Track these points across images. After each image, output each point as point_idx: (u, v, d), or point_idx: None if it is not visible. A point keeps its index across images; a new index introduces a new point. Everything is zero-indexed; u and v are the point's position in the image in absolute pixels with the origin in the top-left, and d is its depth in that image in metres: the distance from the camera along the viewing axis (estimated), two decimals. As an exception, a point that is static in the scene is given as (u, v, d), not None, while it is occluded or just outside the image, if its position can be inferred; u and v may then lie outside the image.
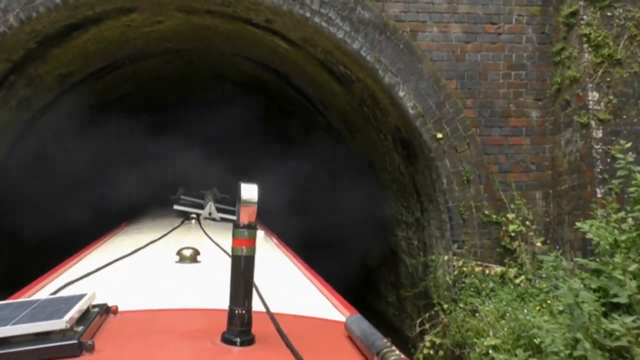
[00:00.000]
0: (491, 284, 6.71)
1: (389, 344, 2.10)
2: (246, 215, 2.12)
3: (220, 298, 2.48)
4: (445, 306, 6.86)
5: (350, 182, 10.81)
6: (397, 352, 2.03)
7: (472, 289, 6.75)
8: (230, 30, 8.29)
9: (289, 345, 2.14)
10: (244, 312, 2.15)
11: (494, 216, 7.08)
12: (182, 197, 8.45)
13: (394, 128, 7.80)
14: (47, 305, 2.27)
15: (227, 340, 2.16)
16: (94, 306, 2.43)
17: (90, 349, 2.00)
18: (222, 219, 7.12)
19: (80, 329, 2.11)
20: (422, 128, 7.10)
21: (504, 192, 7.18)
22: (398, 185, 8.59)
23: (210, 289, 3.06)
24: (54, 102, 9.25)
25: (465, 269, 6.90)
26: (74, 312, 2.12)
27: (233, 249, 2.17)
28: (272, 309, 2.58)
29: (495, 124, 7.28)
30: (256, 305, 2.28)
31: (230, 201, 8.52)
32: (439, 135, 7.08)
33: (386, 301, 10.29)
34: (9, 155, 9.02)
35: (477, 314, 6.24)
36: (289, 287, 3.75)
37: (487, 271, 6.78)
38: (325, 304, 3.28)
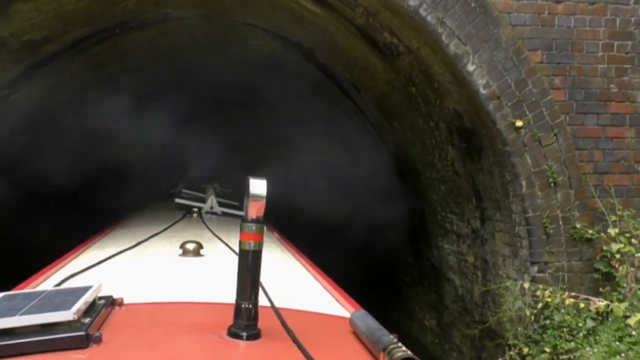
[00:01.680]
0: (589, 323, 5.02)
1: (395, 340, 2.06)
2: (254, 210, 2.09)
3: (225, 292, 2.54)
4: (525, 350, 5.18)
5: (381, 180, 9.11)
6: (404, 348, 2.00)
7: (563, 328, 5.06)
8: (244, -11, 6.64)
9: (295, 340, 2.13)
10: (250, 306, 2.14)
11: (589, 231, 5.40)
12: (183, 190, 8.31)
13: (452, 114, 6.11)
14: (53, 297, 2.27)
15: (233, 334, 2.15)
16: (99, 298, 2.41)
17: (98, 340, 1.99)
18: (224, 213, 6.96)
19: (87, 320, 2.10)
20: (497, 113, 5.41)
21: (600, 199, 5.49)
22: (449, 186, 6.90)
23: (215, 282, 3.10)
24: (24, 78, 7.56)
25: (549, 299, 5.21)
26: (80, 304, 2.11)
27: (241, 243, 2.14)
28: (277, 304, 2.56)
29: (590, 109, 5.58)
30: (261, 300, 2.22)
31: (231, 195, 8.34)
32: (519, 124, 5.38)
33: (421, 325, 8.60)
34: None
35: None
36: (293, 282, 3.72)
37: (581, 304, 5.08)
38: (329, 299, 3.27)
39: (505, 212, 5.81)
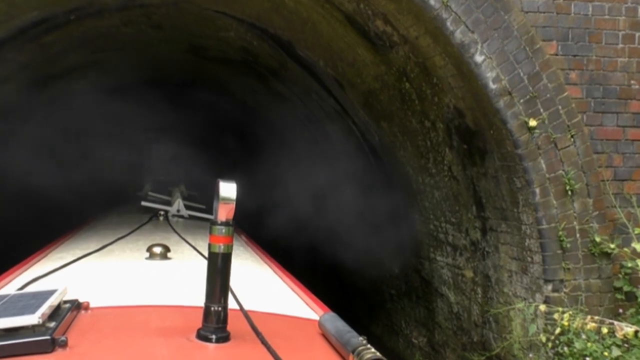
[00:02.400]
0: (615, 351, 4.40)
1: (364, 342, 2.08)
2: (224, 213, 2.09)
3: (193, 295, 2.52)
4: (541, 381, 4.54)
5: (364, 185, 8.42)
6: (373, 349, 2.00)
7: (585, 357, 4.42)
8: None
9: (264, 342, 2.13)
10: (220, 309, 2.12)
11: (610, 245, 4.78)
12: (149, 193, 8.31)
13: (452, 113, 5.45)
14: (16, 301, 2.22)
15: (202, 337, 2.13)
16: (65, 302, 2.35)
17: (64, 345, 1.96)
18: (191, 216, 6.90)
19: (52, 325, 2.05)
20: (508, 111, 4.75)
21: (621, 208, 4.89)
22: (444, 193, 6.24)
23: (183, 286, 3.04)
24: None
25: (566, 323, 4.57)
26: (45, 308, 2.06)
27: (210, 245, 2.12)
28: (246, 307, 2.52)
29: (609, 108, 4.98)
30: (229, 303, 2.20)
31: (197, 199, 8.26)
32: (532, 123, 4.74)
33: (407, 341, 7.93)
34: None
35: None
36: (261, 285, 3.67)
37: (604, 329, 4.46)
38: (298, 302, 3.24)
39: (512, 223, 5.16)
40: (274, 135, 11.99)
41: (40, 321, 1.99)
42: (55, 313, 2.18)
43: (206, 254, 2.25)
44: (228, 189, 2.08)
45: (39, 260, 4.04)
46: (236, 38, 8.14)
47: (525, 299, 5.05)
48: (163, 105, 12.76)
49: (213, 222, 2.12)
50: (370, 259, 9.21)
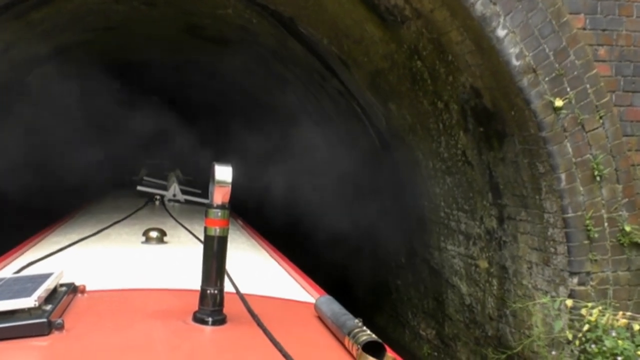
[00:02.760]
0: (648, 350, 4.07)
1: (360, 324, 2.08)
2: (220, 196, 2.08)
3: (189, 279, 2.52)
4: (567, 382, 4.22)
5: (369, 170, 8.06)
6: (369, 332, 2.01)
7: (616, 357, 4.10)
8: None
9: (260, 325, 2.14)
10: (216, 292, 2.12)
11: (641, 235, 4.45)
12: (145, 178, 8.21)
13: (468, 93, 5.07)
14: (13, 284, 2.23)
15: (199, 319, 2.14)
16: (61, 285, 2.34)
17: (60, 327, 1.97)
18: (187, 201, 6.86)
19: (48, 307, 2.05)
20: (532, 90, 4.38)
21: (652, 196, 4.54)
22: (457, 179, 5.88)
23: (179, 269, 3.05)
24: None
25: (594, 319, 4.24)
26: (41, 291, 2.06)
27: (206, 229, 2.12)
28: (242, 290, 2.52)
29: (639, 87, 4.62)
30: (226, 287, 2.20)
31: (194, 183, 8.18)
32: (558, 103, 4.38)
33: (414, 333, 7.62)
34: None
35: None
36: (257, 268, 3.65)
37: (636, 326, 4.13)
38: (294, 285, 3.23)
39: (533, 211, 4.81)
40: (271, 119, 11.60)
41: (37, 304, 1.99)
42: (52, 296, 2.18)
43: (202, 238, 2.26)
44: (224, 172, 2.06)
45: (35, 244, 3.99)
46: (234, 16, 7.72)
47: (547, 293, 4.71)
48: (156, 90, 12.29)
49: (209, 206, 2.11)
50: (374, 248, 8.88)
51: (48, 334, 1.93)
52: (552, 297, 4.64)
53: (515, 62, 4.35)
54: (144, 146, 12.67)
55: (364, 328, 2.04)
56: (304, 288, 3.16)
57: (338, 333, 2.16)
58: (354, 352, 1.96)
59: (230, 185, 2.07)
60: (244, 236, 5.03)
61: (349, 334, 2.03)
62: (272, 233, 6.92)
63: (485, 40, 4.41)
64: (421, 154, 6.43)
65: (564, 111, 4.38)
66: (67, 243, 3.77)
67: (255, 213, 8.88)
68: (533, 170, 4.67)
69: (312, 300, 2.67)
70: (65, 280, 2.41)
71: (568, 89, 4.39)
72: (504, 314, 5.39)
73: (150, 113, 13.21)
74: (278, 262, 3.88)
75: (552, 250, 4.65)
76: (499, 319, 5.48)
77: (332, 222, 8.86)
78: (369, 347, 1.92)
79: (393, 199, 7.77)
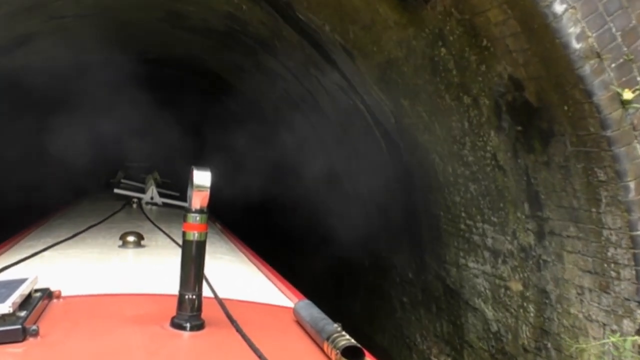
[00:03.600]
0: None
1: (339, 328, 2.09)
2: (198, 200, 2.07)
3: (166, 283, 2.50)
4: None
5: (374, 175, 7.22)
6: (348, 336, 2.01)
7: None
8: None
9: (239, 330, 2.13)
10: (194, 297, 2.11)
11: None
12: (122, 180, 8.25)
13: (506, 84, 4.25)
14: None
15: (176, 325, 2.13)
16: (36, 290, 2.31)
17: (35, 334, 1.95)
18: (165, 204, 6.82)
19: (23, 313, 2.02)
20: (594, 80, 3.56)
21: None
22: (483, 186, 5.06)
23: (156, 274, 3.03)
24: None
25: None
26: (16, 297, 2.03)
27: (185, 233, 2.11)
28: (220, 295, 2.50)
29: None
30: (204, 291, 2.18)
31: (171, 186, 8.12)
32: (627, 96, 3.56)
33: (424, 359, 6.79)
34: None
35: None
36: (236, 273, 3.62)
37: None
38: (272, 290, 3.23)
39: (587, 227, 4.00)
40: (260, 119, 10.71)
41: (11, 310, 1.97)
42: (26, 302, 2.15)
43: (180, 242, 2.25)
44: (202, 177, 2.06)
45: (9, 249, 3.94)
46: (222, 1, 6.84)
47: (605, 325, 3.91)
48: (131, 85, 11.41)
49: (187, 210, 2.10)
50: (376, 260, 8.06)
51: (22, 340, 1.92)
52: (612, 330, 3.83)
53: (576, 45, 3.53)
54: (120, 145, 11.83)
55: (343, 333, 2.05)
56: (283, 292, 3.15)
57: (317, 338, 2.15)
58: (333, 357, 1.96)
59: (208, 190, 2.06)
60: (222, 240, 4.98)
61: (327, 339, 2.03)
62: (250, 237, 6.20)
63: (538, 18, 3.59)
64: (438, 157, 5.60)
65: (634, 105, 3.57)
66: (42, 247, 3.71)
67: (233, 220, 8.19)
68: (590, 177, 3.86)
69: (291, 305, 2.66)
70: (40, 285, 2.37)
71: (639, 78, 3.59)
72: (544, 346, 4.58)
73: (126, 112, 12.24)
74: (257, 267, 3.86)
75: (614, 274, 3.84)
76: (537, 351, 4.67)
77: (326, 228, 8.05)
78: (348, 352, 1.92)
79: (400, 207, 6.94)
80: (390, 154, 6.70)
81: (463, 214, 5.51)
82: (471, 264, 5.52)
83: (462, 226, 5.56)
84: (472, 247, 5.46)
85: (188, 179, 2.07)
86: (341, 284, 9.54)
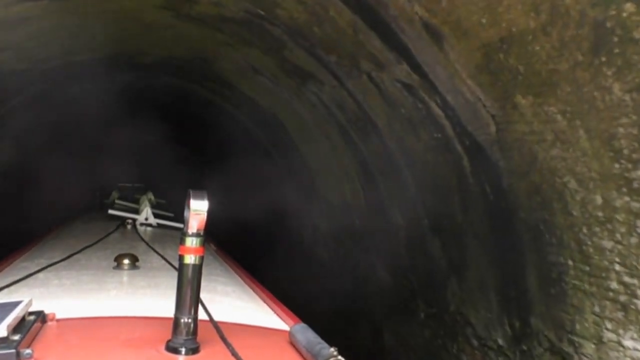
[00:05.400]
0: None
1: (335, 352, 2.09)
2: (196, 223, 2.10)
3: (161, 305, 2.60)
4: None
5: (448, 205, 5.40)
6: None
7: None
8: None
9: (234, 353, 2.15)
10: (189, 320, 2.13)
11: None
12: (116, 201, 8.34)
13: None
14: None
15: (172, 349, 2.15)
16: (29, 313, 2.33)
17: (29, 357, 1.96)
18: (159, 225, 6.73)
19: (17, 337, 2.05)
20: None
21: None
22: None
23: (151, 296, 3.07)
24: None
25: None
26: (10, 319, 2.06)
27: (181, 257, 2.13)
28: (215, 318, 2.53)
29: None
30: (199, 314, 2.22)
31: (166, 207, 8.10)
32: None
33: None
34: None
35: None
36: (231, 295, 3.60)
37: None
38: (268, 312, 3.23)
39: None
40: (280, 134, 8.93)
41: (6, 334, 1.98)
42: (20, 325, 2.15)
43: (175, 264, 2.39)
44: (199, 200, 2.04)
45: (1, 271, 3.87)
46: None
47: None
48: (123, 98, 9.90)
49: (184, 233, 2.10)
50: (440, 313, 6.23)
51: None
52: None
53: None
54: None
55: (339, 357, 2.06)
56: (278, 315, 3.12)
57: None
58: None
59: (205, 213, 2.05)
60: (217, 261, 4.92)
61: None
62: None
63: None
64: (574, 181, 3.78)
65: None
66: (36, 268, 3.71)
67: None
68: None
69: (287, 328, 2.66)
70: (34, 307, 2.35)
71: None
72: None
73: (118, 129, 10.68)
74: (252, 289, 3.83)
75: None
76: None
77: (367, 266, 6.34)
78: None
79: (484, 248, 5.12)
80: (475, 176, 4.89)
81: (617, 267, 3.68)
82: (629, 342, 3.68)
83: (614, 285, 3.72)
84: (634, 317, 3.62)
85: (184, 199, 2.05)
86: (381, 339, 7.68)
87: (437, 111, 4.78)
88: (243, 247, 11.02)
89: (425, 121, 5.06)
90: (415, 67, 4.63)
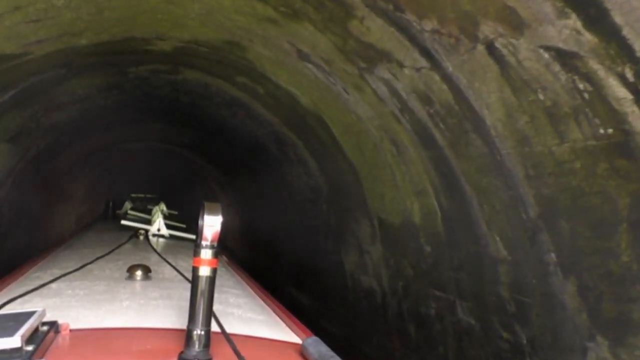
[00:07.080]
0: None
1: None
2: (210, 235, 2.09)
3: (174, 317, 2.62)
4: None
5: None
6: None
7: None
8: None
9: None
10: (202, 332, 2.10)
11: None
12: (129, 212, 8.57)
13: None
14: None
15: None
16: (43, 324, 2.31)
17: None
18: (172, 236, 6.80)
19: (30, 348, 2.03)
20: None
21: None
22: None
23: (164, 307, 3.07)
24: None
25: None
26: (24, 330, 2.04)
27: (194, 269, 2.10)
28: (228, 330, 2.53)
29: None
30: (212, 326, 2.19)
31: (178, 218, 8.18)
32: None
33: None
34: None
35: None
36: (243, 307, 3.53)
37: None
38: (280, 325, 3.22)
39: None
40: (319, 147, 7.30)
41: (21, 344, 1.97)
42: (34, 336, 2.15)
43: (188, 275, 2.48)
44: (214, 211, 2.07)
45: (15, 280, 3.90)
46: None
47: None
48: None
49: (197, 245, 2.09)
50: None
51: None
52: None
53: None
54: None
55: None
56: (290, 328, 3.12)
57: None
58: None
59: (219, 225, 2.06)
60: (229, 273, 4.86)
61: None
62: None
63: None
64: None
65: None
66: (49, 279, 3.72)
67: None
68: None
69: (299, 341, 2.66)
70: (47, 318, 2.35)
71: None
72: None
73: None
74: (264, 301, 3.87)
75: None
76: None
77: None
78: None
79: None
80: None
81: None
82: None
83: None
84: None
85: (198, 210, 2.04)
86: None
87: (620, 91, 3.09)
88: (269, 275, 9.51)
89: (586, 110, 3.36)
90: (594, 19, 2.94)
